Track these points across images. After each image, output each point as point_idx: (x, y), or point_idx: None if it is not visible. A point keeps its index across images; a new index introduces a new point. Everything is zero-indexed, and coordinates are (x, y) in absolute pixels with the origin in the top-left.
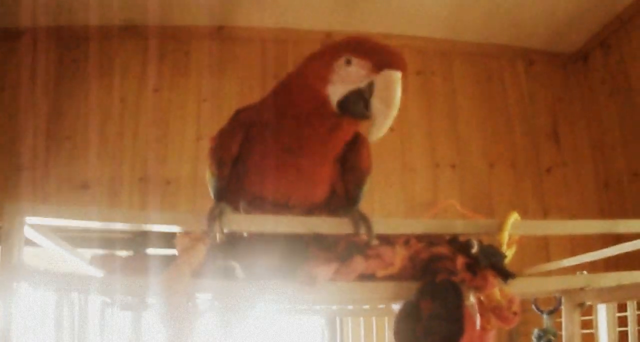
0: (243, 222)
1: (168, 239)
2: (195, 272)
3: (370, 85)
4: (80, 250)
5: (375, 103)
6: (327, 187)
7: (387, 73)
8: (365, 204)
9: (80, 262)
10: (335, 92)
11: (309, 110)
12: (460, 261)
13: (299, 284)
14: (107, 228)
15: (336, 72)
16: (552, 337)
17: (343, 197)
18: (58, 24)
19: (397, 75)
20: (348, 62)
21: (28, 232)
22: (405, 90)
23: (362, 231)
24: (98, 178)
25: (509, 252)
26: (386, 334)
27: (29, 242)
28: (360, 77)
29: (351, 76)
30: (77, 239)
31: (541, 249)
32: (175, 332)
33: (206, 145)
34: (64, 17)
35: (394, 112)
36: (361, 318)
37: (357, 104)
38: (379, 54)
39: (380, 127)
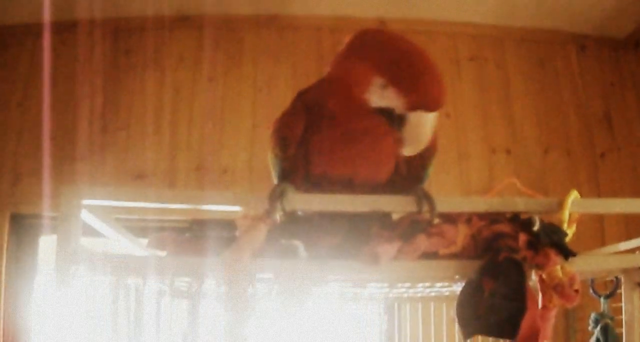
0: (305, 201)
1: (226, 227)
2: (257, 252)
3: (404, 116)
4: (137, 239)
5: (406, 132)
6: (391, 166)
7: (419, 114)
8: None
9: (138, 249)
10: (373, 100)
11: (351, 105)
12: (522, 238)
13: (362, 263)
14: (163, 217)
15: (374, 86)
16: (609, 321)
17: (407, 177)
18: (112, 15)
19: (429, 117)
20: (385, 86)
21: (86, 216)
22: (459, 77)
23: (425, 209)
24: (154, 168)
25: (570, 231)
26: (444, 320)
27: (88, 233)
28: (395, 103)
29: (387, 98)
30: (134, 228)
31: (596, 233)
32: (234, 314)
33: (262, 133)
34: (118, 9)
35: (423, 146)
36: (419, 304)
37: (391, 118)
38: (414, 93)
39: (410, 151)
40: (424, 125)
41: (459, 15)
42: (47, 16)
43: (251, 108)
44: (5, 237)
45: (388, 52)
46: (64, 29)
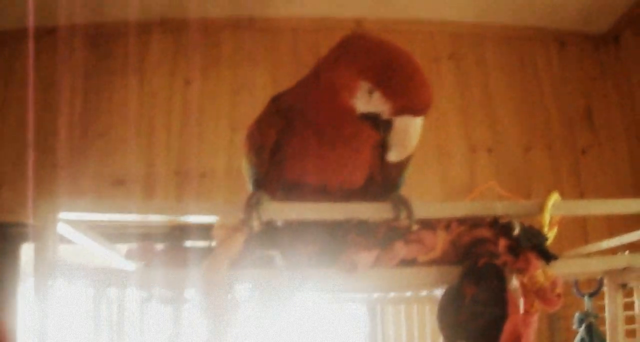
0: (281, 210)
1: (205, 233)
2: (234, 262)
3: (390, 122)
4: (116, 246)
5: (393, 137)
6: (366, 172)
7: (406, 119)
8: (402, 191)
9: (117, 257)
10: (359, 106)
11: (336, 112)
12: (502, 243)
13: (339, 272)
14: (143, 223)
15: (360, 91)
16: (593, 320)
17: (382, 182)
18: (90, 20)
19: (416, 121)
20: (371, 91)
21: (62, 229)
22: (438, 75)
23: (403, 215)
24: (133, 174)
25: (550, 234)
26: (427, 321)
27: (65, 240)
28: (381, 108)
29: (373, 103)
30: (113, 235)
31: (579, 232)
32: (215, 324)
33: (241, 136)
34: (96, 14)
35: (410, 151)
36: (402, 306)
37: (377, 124)
38: (400, 97)
39: (396, 157)
40: (410, 130)
41: (438, 14)
42: (26, 22)
43: (229, 111)
44: None
45: (374, 57)
46: (43, 34)
